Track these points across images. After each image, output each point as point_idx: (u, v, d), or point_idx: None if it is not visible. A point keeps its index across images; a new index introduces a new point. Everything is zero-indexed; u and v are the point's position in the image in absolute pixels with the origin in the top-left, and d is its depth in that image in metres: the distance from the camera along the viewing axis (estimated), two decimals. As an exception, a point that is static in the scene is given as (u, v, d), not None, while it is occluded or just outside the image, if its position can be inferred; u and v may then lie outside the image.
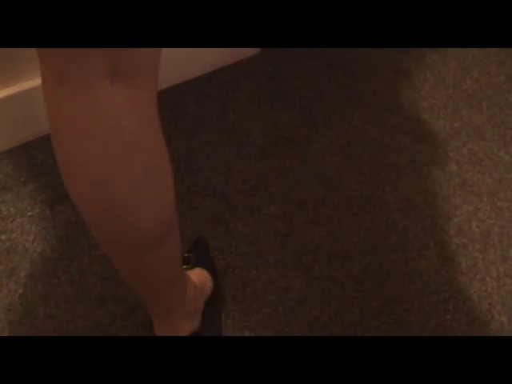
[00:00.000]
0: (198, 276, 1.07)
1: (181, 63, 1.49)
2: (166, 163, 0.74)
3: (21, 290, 1.14)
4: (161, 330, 0.97)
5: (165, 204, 0.75)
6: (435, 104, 1.46)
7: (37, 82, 1.33)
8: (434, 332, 1.10)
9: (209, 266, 1.13)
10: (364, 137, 1.40)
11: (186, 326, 0.99)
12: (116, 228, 0.72)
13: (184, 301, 0.96)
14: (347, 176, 1.31)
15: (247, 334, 1.10)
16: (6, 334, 1.08)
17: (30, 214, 1.25)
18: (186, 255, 1.10)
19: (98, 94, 0.63)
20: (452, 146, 1.38)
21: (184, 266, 1.04)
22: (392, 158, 1.36)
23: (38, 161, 1.33)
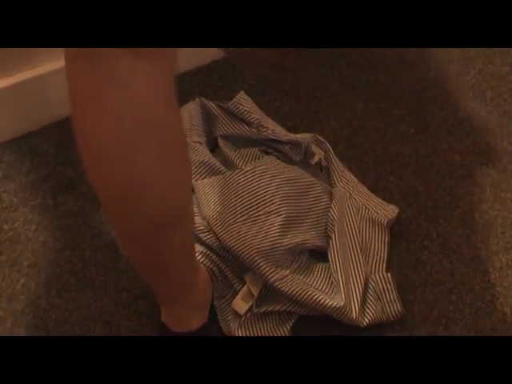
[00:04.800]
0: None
1: (182, 53, 1.48)
2: (183, 143, 0.73)
3: (23, 280, 1.14)
4: (169, 319, 0.97)
5: (181, 185, 0.74)
6: (438, 94, 1.46)
7: (38, 71, 1.32)
8: (436, 323, 1.10)
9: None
10: (367, 127, 1.39)
11: (195, 318, 0.98)
12: (130, 206, 0.71)
13: (195, 291, 0.95)
14: (350, 166, 1.31)
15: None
16: (8, 323, 1.09)
17: (32, 203, 1.25)
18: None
19: (119, 67, 0.62)
20: (455, 137, 1.38)
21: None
22: (395, 149, 1.36)
23: (40, 150, 1.33)
